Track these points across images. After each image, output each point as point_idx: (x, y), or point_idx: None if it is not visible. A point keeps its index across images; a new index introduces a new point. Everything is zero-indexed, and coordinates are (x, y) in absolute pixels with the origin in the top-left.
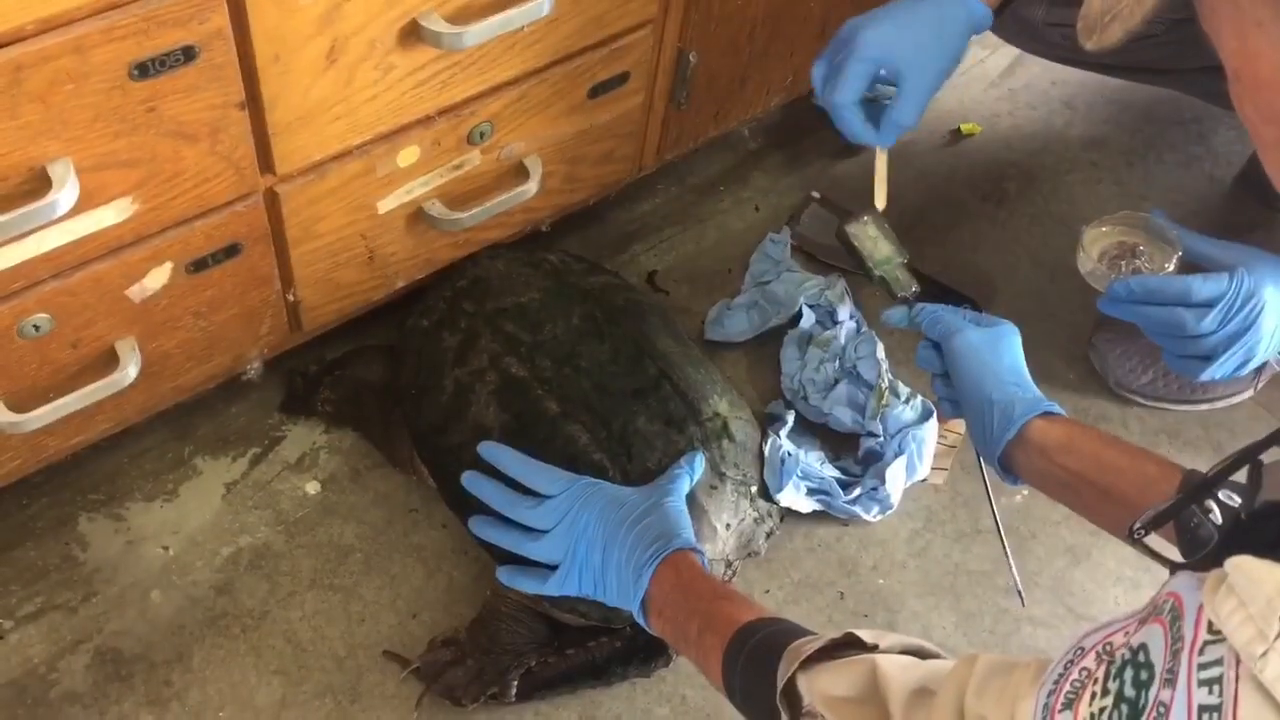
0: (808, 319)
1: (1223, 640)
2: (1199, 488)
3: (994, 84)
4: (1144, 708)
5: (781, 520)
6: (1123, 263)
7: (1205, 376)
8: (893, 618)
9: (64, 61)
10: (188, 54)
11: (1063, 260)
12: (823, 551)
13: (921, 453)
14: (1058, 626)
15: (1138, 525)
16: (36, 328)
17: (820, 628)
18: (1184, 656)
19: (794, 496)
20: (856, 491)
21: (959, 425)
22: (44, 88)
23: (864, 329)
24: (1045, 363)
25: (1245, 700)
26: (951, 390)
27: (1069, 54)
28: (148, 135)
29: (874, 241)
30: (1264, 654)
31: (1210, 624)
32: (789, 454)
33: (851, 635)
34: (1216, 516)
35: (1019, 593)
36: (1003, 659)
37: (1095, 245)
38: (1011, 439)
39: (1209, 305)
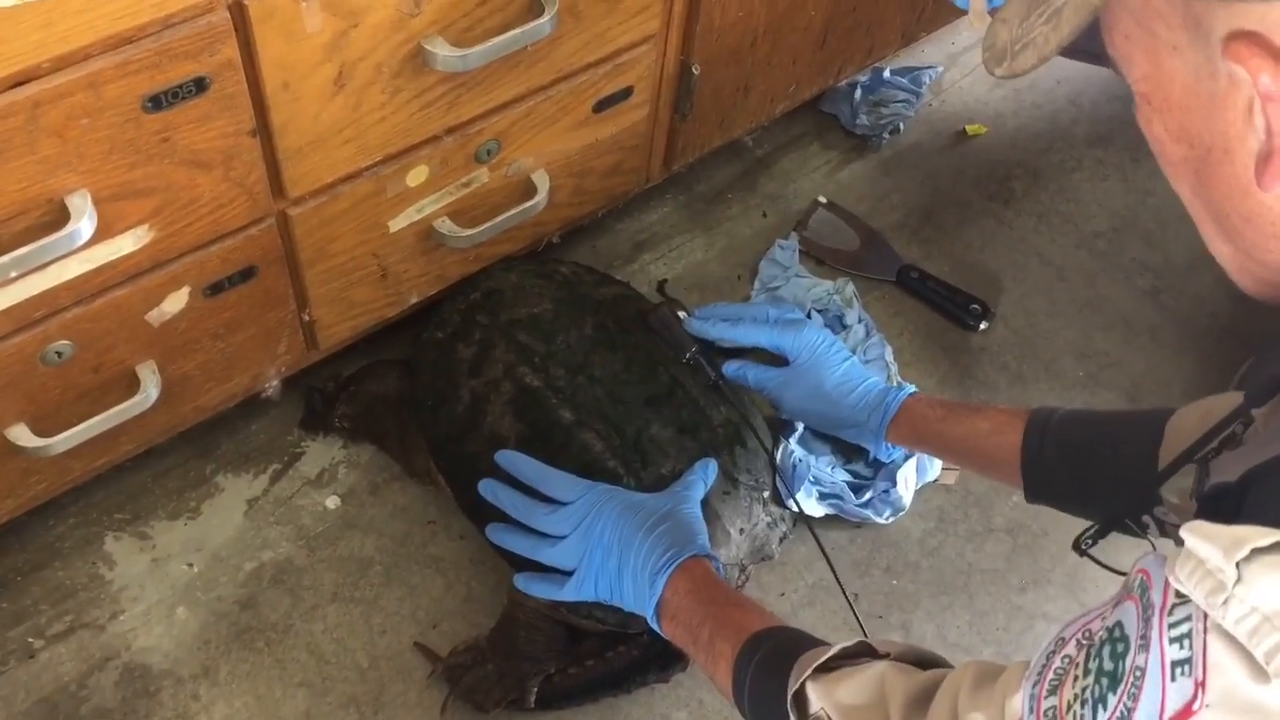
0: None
1: (1189, 601)
2: (1141, 496)
3: (999, 84)
4: (1122, 676)
5: (794, 524)
6: None
7: None
8: (907, 618)
9: (79, 97)
10: (199, 85)
11: (1070, 258)
12: (836, 554)
13: None
14: None
15: (1084, 538)
16: (59, 354)
17: (835, 630)
18: (1155, 621)
19: (806, 501)
20: (868, 494)
21: None
22: (61, 123)
23: (872, 332)
24: (1054, 360)
25: (1213, 648)
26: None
27: (1079, 50)
28: (162, 165)
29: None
30: (1225, 601)
31: (1178, 591)
32: (800, 459)
33: (864, 644)
34: (1155, 533)
35: (863, 630)
36: (993, 665)
37: None
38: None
39: None
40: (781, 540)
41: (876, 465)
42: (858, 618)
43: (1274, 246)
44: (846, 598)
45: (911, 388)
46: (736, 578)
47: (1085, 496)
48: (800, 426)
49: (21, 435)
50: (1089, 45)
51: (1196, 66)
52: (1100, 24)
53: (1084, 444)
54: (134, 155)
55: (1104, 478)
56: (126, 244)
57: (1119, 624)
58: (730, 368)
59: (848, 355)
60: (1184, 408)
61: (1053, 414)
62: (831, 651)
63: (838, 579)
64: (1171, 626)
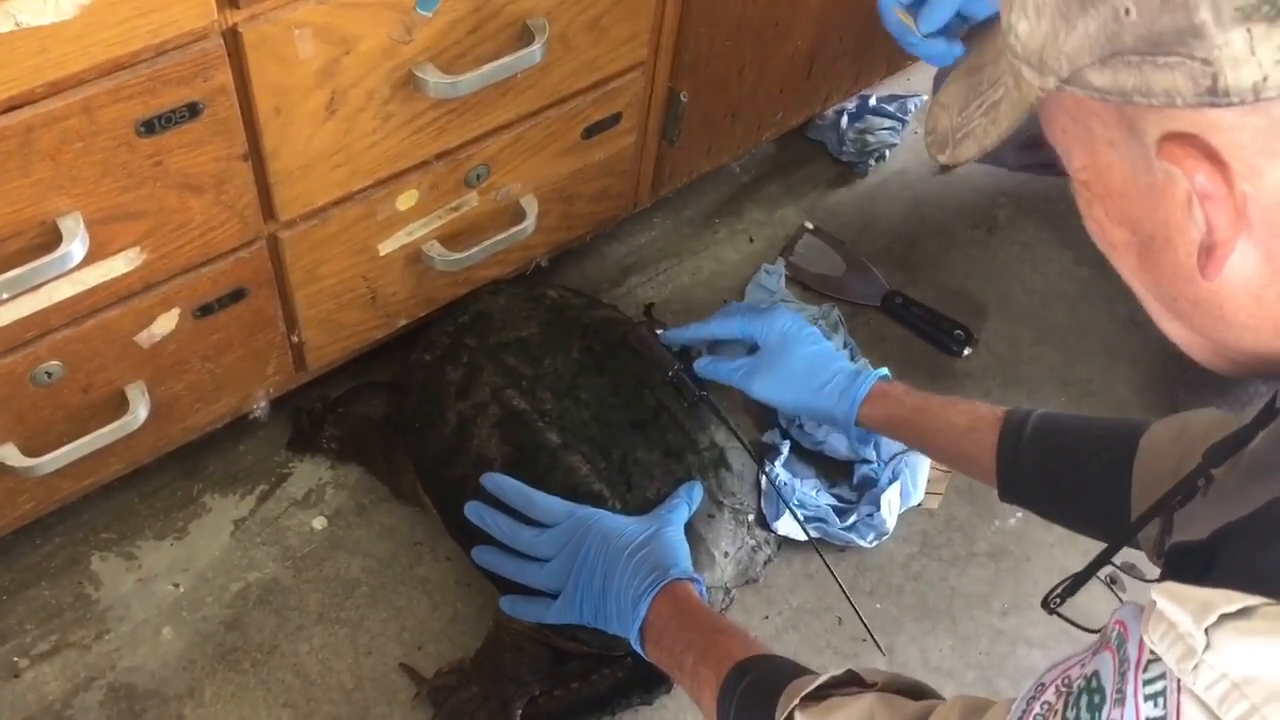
0: None
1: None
2: (1108, 549)
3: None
4: None
5: (778, 548)
6: None
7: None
8: (890, 642)
9: (73, 122)
10: (192, 110)
11: (1053, 285)
12: (820, 578)
13: (916, 478)
14: (1053, 647)
15: (1053, 596)
16: (49, 374)
17: (819, 653)
18: (1130, 675)
19: (790, 524)
20: (852, 518)
21: None
22: (54, 146)
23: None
24: (1036, 386)
25: (1186, 709)
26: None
27: (1030, 164)
28: (155, 188)
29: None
30: (1195, 667)
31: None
32: (785, 483)
33: (851, 673)
34: (1123, 586)
35: (877, 645)
36: (980, 699)
37: None
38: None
39: None
40: (766, 563)
41: (860, 489)
42: (869, 631)
43: (1221, 328)
44: (854, 608)
45: (883, 370)
46: (721, 601)
47: (1058, 502)
48: (785, 450)
49: (10, 455)
50: (1041, 157)
51: (1134, 161)
52: (1039, 117)
53: (1059, 451)
54: (127, 179)
55: (1078, 486)
56: (118, 266)
57: (1096, 674)
58: (701, 363)
59: (818, 338)
60: (1160, 421)
61: (1028, 416)
62: (819, 681)
63: (846, 594)
64: (1147, 684)
